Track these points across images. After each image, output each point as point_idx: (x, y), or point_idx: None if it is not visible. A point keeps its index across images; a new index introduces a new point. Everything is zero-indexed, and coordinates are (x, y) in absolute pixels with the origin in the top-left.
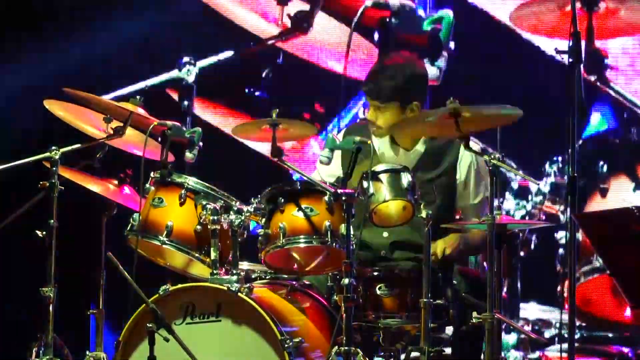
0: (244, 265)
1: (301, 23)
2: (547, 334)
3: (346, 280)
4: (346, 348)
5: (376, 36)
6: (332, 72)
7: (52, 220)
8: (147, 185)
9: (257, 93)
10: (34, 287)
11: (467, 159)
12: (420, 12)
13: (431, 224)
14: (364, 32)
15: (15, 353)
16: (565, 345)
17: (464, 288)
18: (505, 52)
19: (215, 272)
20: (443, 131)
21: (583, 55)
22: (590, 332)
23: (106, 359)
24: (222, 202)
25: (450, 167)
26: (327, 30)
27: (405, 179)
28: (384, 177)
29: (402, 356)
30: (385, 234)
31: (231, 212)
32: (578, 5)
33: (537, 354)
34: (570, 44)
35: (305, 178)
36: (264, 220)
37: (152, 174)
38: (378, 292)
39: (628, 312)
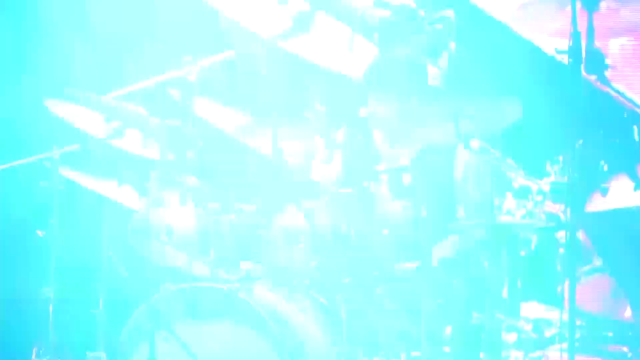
0: (244, 265)
1: (302, 23)
2: (547, 333)
3: (347, 280)
4: (346, 348)
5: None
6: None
7: (52, 220)
8: (147, 185)
9: (257, 93)
10: (34, 287)
11: (467, 159)
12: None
13: (431, 224)
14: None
15: (15, 353)
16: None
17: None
18: (505, 52)
19: (215, 272)
20: (443, 131)
21: (583, 56)
22: (590, 332)
23: (106, 359)
24: (223, 201)
25: (450, 167)
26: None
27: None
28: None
29: (402, 356)
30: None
31: (231, 212)
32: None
33: (537, 353)
34: (570, 44)
35: None
36: None
37: (152, 174)
38: (378, 292)
39: (628, 312)
